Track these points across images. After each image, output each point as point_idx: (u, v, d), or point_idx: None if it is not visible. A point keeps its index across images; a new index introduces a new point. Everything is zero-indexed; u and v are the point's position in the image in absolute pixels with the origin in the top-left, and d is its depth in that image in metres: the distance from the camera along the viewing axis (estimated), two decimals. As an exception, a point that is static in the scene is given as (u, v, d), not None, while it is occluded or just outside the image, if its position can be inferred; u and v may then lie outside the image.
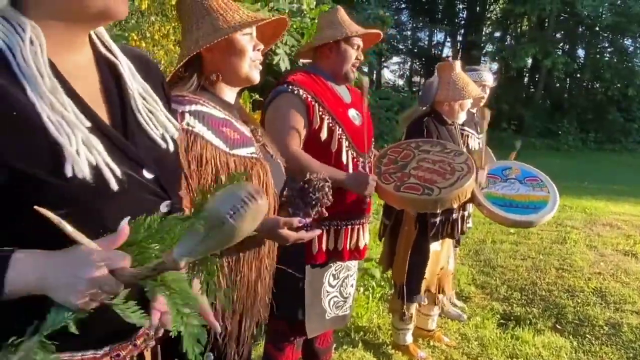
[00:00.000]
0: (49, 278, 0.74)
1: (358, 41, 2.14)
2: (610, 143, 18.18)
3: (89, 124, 0.82)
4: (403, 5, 26.58)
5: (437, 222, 2.60)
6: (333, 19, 2.14)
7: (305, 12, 5.68)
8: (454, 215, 2.66)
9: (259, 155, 1.40)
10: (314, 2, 5.65)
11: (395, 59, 28.44)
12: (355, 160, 2.08)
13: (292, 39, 5.70)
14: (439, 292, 2.94)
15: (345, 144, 2.03)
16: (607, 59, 19.95)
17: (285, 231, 1.33)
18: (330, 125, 1.99)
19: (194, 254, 0.77)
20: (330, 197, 1.42)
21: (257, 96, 3.66)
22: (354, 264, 2.24)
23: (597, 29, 19.81)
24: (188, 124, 1.26)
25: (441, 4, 25.84)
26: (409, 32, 27.73)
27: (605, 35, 20.17)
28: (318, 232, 1.44)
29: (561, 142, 18.10)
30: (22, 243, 0.76)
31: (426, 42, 27.67)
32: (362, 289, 3.57)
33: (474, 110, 3.37)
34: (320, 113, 1.96)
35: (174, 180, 1.03)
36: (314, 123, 1.95)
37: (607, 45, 20.53)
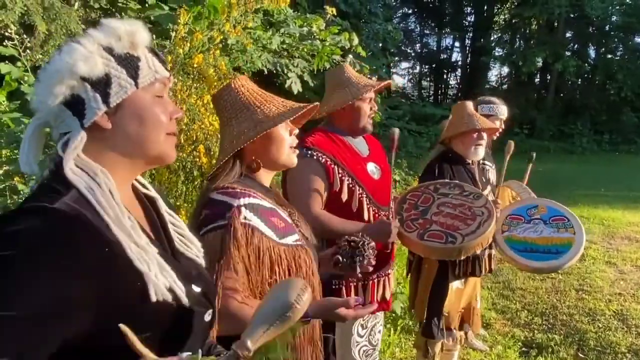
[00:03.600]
0: None
1: (370, 94, 2.16)
2: (625, 144, 18.02)
3: (157, 250, 0.93)
4: (411, 11, 26.65)
5: (457, 261, 2.63)
6: (341, 78, 2.14)
7: (315, 35, 5.77)
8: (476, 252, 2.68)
9: (302, 242, 1.44)
10: (324, 25, 5.73)
11: (404, 64, 28.50)
12: (376, 215, 2.12)
13: (302, 61, 5.79)
14: (461, 329, 2.96)
15: (365, 201, 2.07)
16: (618, 59, 19.80)
17: (343, 310, 1.33)
18: (351, 186, 2.03)
19: (262, 337, 0.91)
20: (373, 256, 1.51)
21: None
22: (381, 313, 2.29)
23: (607, 29, 19.67)
24: (245, 218, 1.31)
25: (449, 9, 25.84)
26: (417, 37, 27.80)
27: (616, 35, 20.02)
28: (374, 306, 1.48)
29: (575, 145, 17.97)
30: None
31: (435, 47, 27.72)
32: (383, 321, 3.60)
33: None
34: (340, 175, 2.01)
35: (214, 290, 1.13)
36: (334, 186, 2.00)
37: (618, 45, 20.38)
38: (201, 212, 1.35)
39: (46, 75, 0.87)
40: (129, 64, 0.90)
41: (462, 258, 2.40)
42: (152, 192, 1.05)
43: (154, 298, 0.86)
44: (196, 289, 1.00)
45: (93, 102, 0.87)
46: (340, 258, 1.52)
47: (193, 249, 1.07)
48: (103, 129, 0.89)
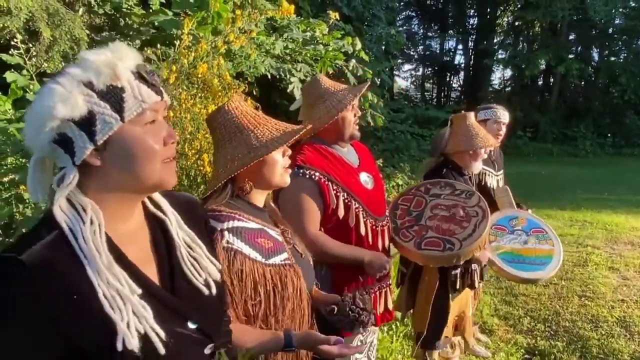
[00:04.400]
0: None
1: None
2: (628, 147, 17.98)
3: (139, 291, 0.89)
4: (414, 13, 26.68)
5: (457, 274, 2.63)
6: (319, 91, 2.07)
7: (318, 40, 5.79)
8: (474, 266, 2.68)
9: (291, 261, 1.44)
10: (327, 29, 5.75)
11: (407, 66, 28.51)
12: (373, 227, 2.09)
13: (306, 65, 5.81)
14: (455, 335, 2.97)
15: (362, 215, 2.03)
16: (622, 62, 19.77)
17: (326, 347, 1.34)
18: (346, 201, 1.98)
19: None
20: (372, 314, 1.49)
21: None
22: (376, 328, 2.29)
23: (611, 32, 19.65)
24: (228, 242, 1.32)
25: (452, 11, 25.85)
26: (420, 40, 27.81)
27: (619, 38, 20.00)
28: (361, 348, 1.46)
29: (578, 148, 17.95)
30: None
31: (438, 50, 27.70)
32: (385, 328, 3.61)
33: (491, 148, 3.42)
34: (335, 191, 1.95)
35: (217, 322, 1.09)
36: (331, 204, 1.94)
37: (621, 48, 20.34)
38: None
39: (30, 118, 0.85)
40: (113, 97, 0.86)
41: (462, 262, 2.40)
42: (164, 214, 1.03)
43: (119, 347, 0.83)
44: (192, 325, 0.98)
45: (80, 141, 0.85)
46: (337, 319, 1.48)
47: (203, 275, 1.03)
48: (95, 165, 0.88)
